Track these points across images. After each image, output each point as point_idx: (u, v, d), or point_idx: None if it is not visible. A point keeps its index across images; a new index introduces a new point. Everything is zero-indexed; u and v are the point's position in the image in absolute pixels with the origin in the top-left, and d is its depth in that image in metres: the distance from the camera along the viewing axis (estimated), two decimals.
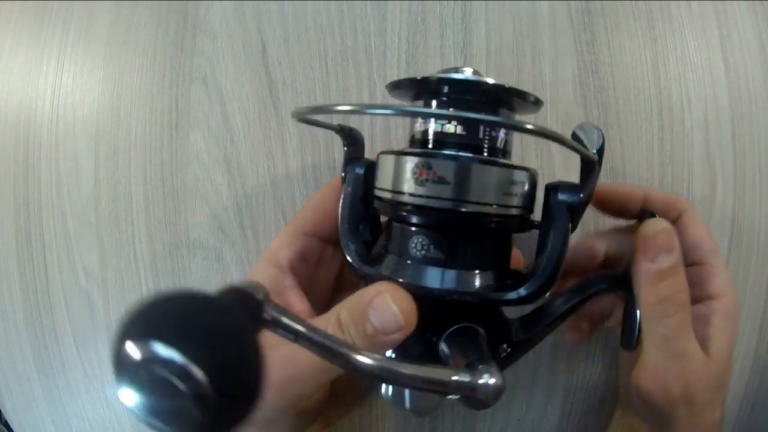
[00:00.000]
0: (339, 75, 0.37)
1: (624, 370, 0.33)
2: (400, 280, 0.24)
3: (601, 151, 0.24)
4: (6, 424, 0.41)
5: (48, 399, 0.39)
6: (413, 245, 0.25)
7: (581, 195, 0.25)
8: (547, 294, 0.25)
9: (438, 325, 0.25)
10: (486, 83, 0.24)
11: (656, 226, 0.27)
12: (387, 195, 0.25)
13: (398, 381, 0.20)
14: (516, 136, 0.27)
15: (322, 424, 0.32)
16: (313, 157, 0.37)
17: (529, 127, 0.19)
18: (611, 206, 0.31)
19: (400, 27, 0.37)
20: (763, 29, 0.38)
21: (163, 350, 0.12)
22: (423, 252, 0.25)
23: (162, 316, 0.13)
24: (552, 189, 0.25)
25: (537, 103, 0.25)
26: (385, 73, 0.37)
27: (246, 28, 0.37)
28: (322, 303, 0.32)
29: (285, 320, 0.18)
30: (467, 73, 0.25)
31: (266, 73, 0.37)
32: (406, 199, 0.24)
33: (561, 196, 0.25)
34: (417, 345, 0.24)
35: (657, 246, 0.26)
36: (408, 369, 0.20)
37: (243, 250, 0.37)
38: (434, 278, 0.24)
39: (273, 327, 0.17)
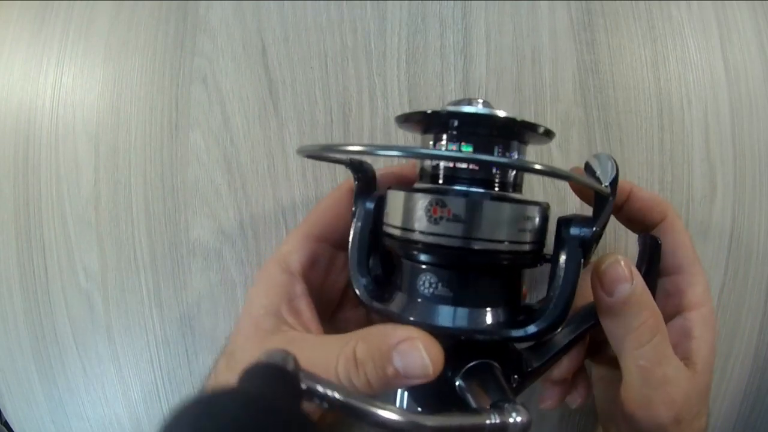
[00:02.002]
0: (339, 75, 0.37)
1: (599, 387, 0.32)
2: (411, 318, 0.24)
3: (614, 183, 0.24)
4: (6, 424, 0.41)
5: (48, 399, 0.39)
6: (422, 283, 0.24)
7: (594, 229, 0.24)
8: (559, 330, 0.25)
9: (454, 362, 0.24)
10: (497, 117, 0.23)
11: (609, 257, 0.26)
12: (397, 232, 0.25)
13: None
14: None
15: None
16: None
17: (538, 167, 0.20)
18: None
19: (400, 27, 0.37)
20: (763, 29, 0.38)
21: None
22: (432, 290, 0.24)
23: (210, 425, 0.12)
24: (564, 223, 0.25)
25: (548, 134, 0.25)
26: (385, 73, 0.37)
27: (246, 28, 0.37)
28: (328, 311, 0.32)
29: (320, 388, 0.18)
30: (478, 106, 0.24)
31: (266, 73, 0.37)
32: (416, 237, 0.24)
33: (573, 231, 0.24)
34: (433, 382, 0.23)
35: (613, 278, 0.25)
36: (438, 421, 0.19)
37: (243, 250, 0.37)
38: (445, 317, 0.24)
39: (309, 396, 0.17)
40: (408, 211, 0.24)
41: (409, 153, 0.21)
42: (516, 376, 0.26)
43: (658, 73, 0.37)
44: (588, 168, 0.25)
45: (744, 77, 0.38)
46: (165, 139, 0.38)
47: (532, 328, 0.24)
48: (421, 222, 0.23)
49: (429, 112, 0.24)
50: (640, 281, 0.25)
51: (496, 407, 0.21)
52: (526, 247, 0.24)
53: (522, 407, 0.21)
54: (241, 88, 0.37)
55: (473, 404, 0.23)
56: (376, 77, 0.37)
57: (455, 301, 0.24)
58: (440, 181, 0.25)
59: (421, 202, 0.23)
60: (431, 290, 0.24)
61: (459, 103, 0.24)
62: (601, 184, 0.25)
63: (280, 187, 0.37)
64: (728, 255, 0.37)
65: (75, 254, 0.38)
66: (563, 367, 0.30)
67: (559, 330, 0.25)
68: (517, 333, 0.24)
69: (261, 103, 0.37)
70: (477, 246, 0.23)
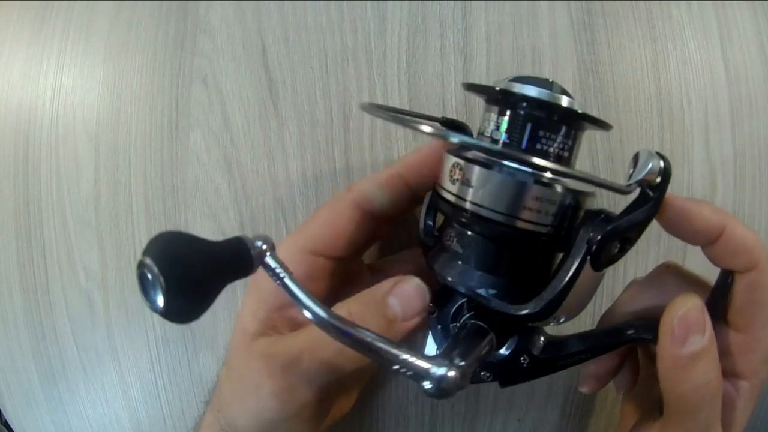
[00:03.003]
0: (339, 75, 0.37)
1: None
2: (433, 266, 0.26)
3: (651, 185, 0.23)
4: (6, 424, 0.41)
5: (48, 399, 0.39)
6: (446, 235, 0.26)
7: (607, 229, 0.22)
8: (548, 319, 0.24)
9: (456, 314, 0.27)
10: (559, 106, 0.23)
11: (685, 302, 0.24)
12: (436, 186, 0.27)
13: (345, 340, 0.21)
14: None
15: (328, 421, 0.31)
16: (313, 157, 0.37)
17: (536, 161, 0.20)
18: (677, 228, 0.26)
19: (400, 27, 0.37)
20: (763, 29, 0.38)
21: (146, 259, 0.17)
22: (449, 243, 0.26)
23: (157, 241, 0.18)
24: (586, 216, 0.24)
25: (605, 127, 0.25)
26: (385, 73, 0.37)
27: (246, 28, 0.37)
28: None
29: (277, 269, 0.21)
30: (549, 92, 0.24)
31: (266, 73, 0.37)
32: (441, 192, 0.26)
33: (584, 228, 0.23)
34: (439, 325, 0.27)
35: (688, 326, 0.23)
36: (358, 332, 0.21)
37: None
38: (452, 271, 0.25)
39: (269, 270, 0.21)
40: (442, 168, 0.26)
41: (439, 134, 0.21)
42: (525, 357, 0.27)
43: (658, 73, 0.37)
44: (633, 162, 0.24)
45: (744, 77, 0.38)
46: (165, 139, 0.38)
47: (516, 309, 0.24)
48: (445, 181, 0.25)
49: (497, 89, 0.24)
50: (711, 333, 0.23)
51: (438, 356, 0.22)
52: (536, 228, 0.24)
53: (455, 369, 0.21)
54: (241, 88, 0.37)
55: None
56: (376, 77, 0.37)
57: (463, 258, 0.25)
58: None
59: (447, 163, 0.25)
60: (448, 242, 0.26)
61: (533, 81, 0.24)
62: (628, 180, 0.23)
63: (280, 187, 0.37)
64: None
65: (75, 254, 0.38)
66: (592, 368, 0.29)
67: (546, 320, 0.24)
68: (505, 307, 0.24)
69: (261, 103, 0.37)
70: (482, 213, 0.24)
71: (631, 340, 0.27)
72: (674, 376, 0.23)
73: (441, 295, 0.27)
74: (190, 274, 0.18)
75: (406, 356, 0.21)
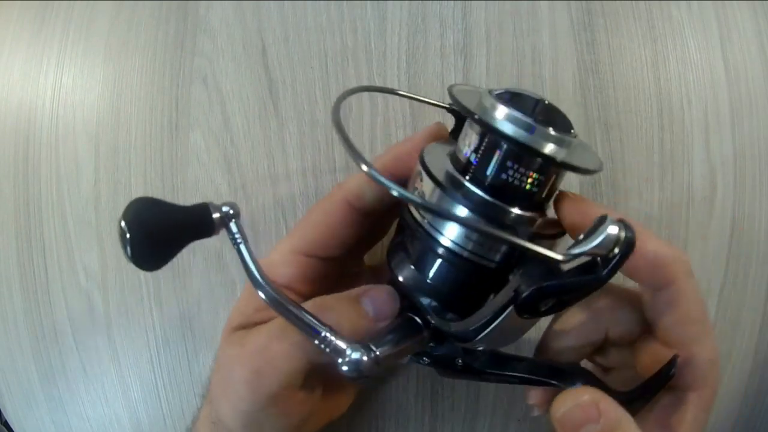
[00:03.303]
0: (339, 75, 0.37)
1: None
2: (390, 258, 0.27)
3: (621, 258, 0.19)
4: (6, 424, 0.41)
5: (48, 399, 0.39)
6: (406, 236, 0.26)
7: (536, 288, 0.20)
8: (467, 345, 0.24)
9: (411, 307, 0.26)
10: (536, 152, 0.22)
11: (569, 398, 0.23)
12: None
13: (280, 310, 0.23)
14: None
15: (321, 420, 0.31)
16: (313, 157, 0.37)
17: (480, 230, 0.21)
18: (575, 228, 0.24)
19: (400, 27, 0.37)
20: (763, 29, 0.38)
21: (121, 221, 0.21)
22: (407, 244, 0.26)
23: (130, 206, 0.22)
24: (528, 262, 0.22)
25: (588, 173, 0.23)
26: (385, 73, 0.37)
27: (246, 28, 0.37)
28: None
29: (236, 235, 0.24)
30: (527, 134, 0.22)
31: (266, 73, 0.37)
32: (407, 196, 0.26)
33: (520, 276, 0.21)
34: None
35: (574, 425, 0.22)
36: (295, 309, 0.23)
37: None
38: (403, 270, 0.26)
39: (229, 234, 0.24)
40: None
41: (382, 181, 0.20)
42: (459, 360, 0.27)
43: (658, 73, 0.37)
44: (593, 224, 0.20)
45: (744, 77, 0.38)
46: (165, 139, 0.38)
47: (444, 324, 0.25)
48: (410, 184, 0.25)
49: (475, 116, 0.22)
50: (614, 415, 0.22)
51: (364, 342, 0.23)
52: (482, 261, 0.23)
53: (370, 356, 0.22)
54: (241, 88, 0.37)
55: None
56: (376, 77, 0.37)
57: (414, 263, 0.25)
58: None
59: (416, 167, 0.25)
60: (407, 244, 0.26)
61: (511, 104, 0.22)
62: (570, 248, 0.20)
63: (280, 187, 0.37)
64: (728, 255, 0.37)
65: (75, 254, 0.38)
66: (534, 395, 0.29)
67: (469, 345, 0.24)
68: (435, 318, 0.25)
69: (261, 103, 0.37)
70: (431, 232, 0.23)
71: (550, 384, 0.26)
72: None
73: None
74: (152, 232, 0.21)
75: (328, 334, 0.22)
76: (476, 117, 0.22)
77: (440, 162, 0.24)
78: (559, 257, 0.19)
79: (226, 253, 0.37)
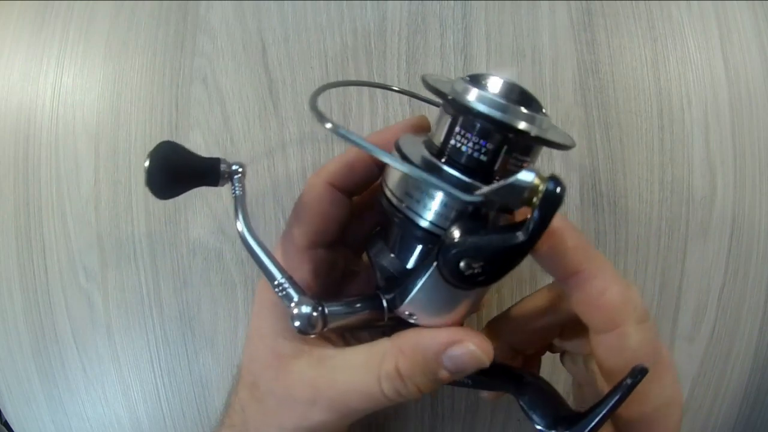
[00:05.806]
0: (339, 75, 0.37)
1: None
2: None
3: (542, 209, 0.19)
4: (6, 424, 0.41)
5: (48, 399, 0.39)
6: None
7: (442, 249, 0.21)
8: (398, 313, 0.24)
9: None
10: (473, 110, 0.22)
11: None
12: None
13: (252, 256, 0.26)
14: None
15: None
16: (313, 157, 0.37)
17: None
18: None
19: (400, 27, 0.37)
20: (763, 29, 0.38)
21: (147, 158, 0.24)
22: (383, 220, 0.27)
23: (157, 148, 0.25)
24: (456, 223, 0.22)
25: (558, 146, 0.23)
26: (385, 73, 0.37)
27: (246, 28, 0.37)
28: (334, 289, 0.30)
29: (236, 187, 0.27)
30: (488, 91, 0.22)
31: (266, 73, 0.37)
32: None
33: (444, 237, 0.21)
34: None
35: None
36: (263, 255, 0.26)
37: (243, 250, 0.37)
38: (373, 245, 0.26)
39: (232, 185, 0.27)
40: None
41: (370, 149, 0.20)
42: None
43: (658, 73, 0.37)
44: None
45: (744, 77, 0.38)
46: (165, 138, 0.37)
47: (384, 292, 0.25)
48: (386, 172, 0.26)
49: (449, 98, 0.22)
50: None
51: (312, 297, 0.24)
52: (410, 214, 0.23)
53: (319, 313, 0.24)
54: (241, 88, 0.37)
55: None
56: (376, 77, 0.37)
57: (382, 235, 0.26)
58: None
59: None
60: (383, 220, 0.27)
61: (478, 80, 0.22)
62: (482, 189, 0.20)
63: (280, 187, 0.37)
64: (728, 255, 0.37)
65: (75, 254, 0.38)
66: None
67: (405, 317, 0.24)
68: (380, 288, 0.26)
69: (261, 103, 0.37)
70: (393, 201, 0.24)
71: (507, 390, 0.26)
72: None
73: None
74: (167, 167, 0.25)
75: (285, 283, 0.24)
76: (449, 98, 0.22)
77: (416, 149, 0.24)
78: (467, 197, 0.20)
79: (226, 253, 0.37)
